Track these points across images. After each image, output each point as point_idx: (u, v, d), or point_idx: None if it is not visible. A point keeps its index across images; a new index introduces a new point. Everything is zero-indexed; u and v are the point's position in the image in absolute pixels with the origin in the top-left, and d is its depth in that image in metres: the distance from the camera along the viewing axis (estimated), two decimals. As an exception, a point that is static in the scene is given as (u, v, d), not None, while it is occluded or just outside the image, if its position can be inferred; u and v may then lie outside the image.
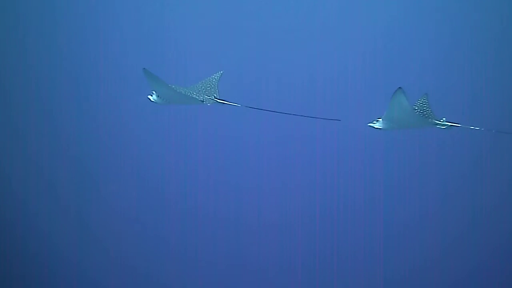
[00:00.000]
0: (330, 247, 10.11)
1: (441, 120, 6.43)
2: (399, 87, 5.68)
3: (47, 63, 11.26)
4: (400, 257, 9.91)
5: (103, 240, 10.36)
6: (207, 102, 6.82)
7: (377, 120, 6.39)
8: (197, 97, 6.81)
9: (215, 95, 6.89)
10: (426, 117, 6.48)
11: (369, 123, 6.44)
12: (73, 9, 11.51)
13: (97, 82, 11.10)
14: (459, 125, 6.40)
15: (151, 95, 6.81)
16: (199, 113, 9.96)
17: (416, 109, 6.53)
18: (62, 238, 10.31)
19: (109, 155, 10.81)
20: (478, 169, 10.07)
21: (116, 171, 10.74)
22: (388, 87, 5.84)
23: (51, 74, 11.19)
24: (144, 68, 6.05)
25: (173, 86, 6.65)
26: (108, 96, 10.96)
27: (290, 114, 6.61)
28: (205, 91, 6.96)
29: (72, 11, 11.50)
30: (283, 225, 10.33)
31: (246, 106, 6.61)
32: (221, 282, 10.17)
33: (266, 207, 10.41)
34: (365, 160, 10.38)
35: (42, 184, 10.63)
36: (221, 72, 7.29)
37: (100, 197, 10.64)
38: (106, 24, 11.41)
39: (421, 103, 6.64)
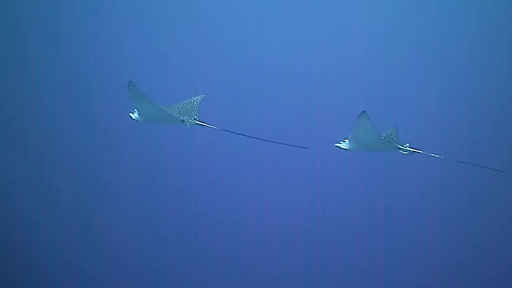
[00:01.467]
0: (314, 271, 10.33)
1: (404, 146, 6.74)
2: (363, 111, 5.97)
3: (47, 67, 11.45)
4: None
5: (104, 242, 10.51)
6: (187, 124, 6.99)
7: (344, 141, 6.66)
8: (177, 117, 6.96)
9: (195, 116, 7.05)
10: (390, 141, 6.78)
11: (336, 143, 6.72)
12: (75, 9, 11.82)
13: (97, 86, 11.32)
14: (421, 151, 6.72)
15: (133, 113, 6.90)
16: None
17: (383, 137, 6.85)
18: (64, 240, 10.43)
19: (110, 158, 10.97)
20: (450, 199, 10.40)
21: (116, 172, 10.87)
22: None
23: (51, 78, 11.37)
24: (130, 82, 6.15)
25: (155, 104, 6.71)
26: (108, 100, 11.12)
27: (261, 139, 6.90)
28: (185, 112, 7.10)
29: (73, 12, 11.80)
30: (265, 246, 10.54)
31: (222, 129, 6.86)
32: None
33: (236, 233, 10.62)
34: (339, 184, 10.62)
35: (43, 187, 10.76)
36: (203, 95, 7.45)
37: (101, 199, 10.76)
38: (103, 32, 11.73)
39: (390, 133, 6.96)
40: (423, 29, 11.42)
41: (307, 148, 7.18)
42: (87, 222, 10.62)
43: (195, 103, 7.32)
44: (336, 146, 6.72)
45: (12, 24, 11.58)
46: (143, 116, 6.87)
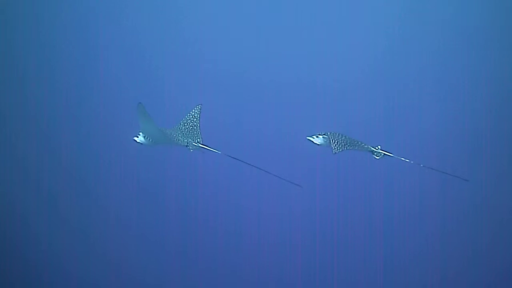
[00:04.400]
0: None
1: (376, 148, 7.02)
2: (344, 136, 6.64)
3: (44, 68, 11.51)
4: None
5: (103, 253, 10.53)
6: (190, 147, 6.99)
7: (317, 136, 6.84)
8: (182, 141, 6.99)
9: (198, 139, 7.07)
10: (363, 144, 7.06)
11: (308, 136, 6.88)
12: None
13: (94, 89, 11.39)
14: (392, 155, 7.02)
15: (137, 136, 6.90)
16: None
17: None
18: (62, 250, 10.44)
19: (106, 163, 10.99)
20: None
21: (113, 178, 10.93)
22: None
23: (48, 81, 11.42)
24: (140, 103, 6.16)
25: (160, 128, 6.79)
26: (110, 112, 11.23)
27: (259, 168, 6.91)
28: (189, 134, 7.11)
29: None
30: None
31: (225, 155, 6.91)
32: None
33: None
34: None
35: (41, 192, 10.76)
36: (200, 106, 7.36)
37: (100, 210, 10.80)
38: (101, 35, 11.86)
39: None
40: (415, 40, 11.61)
41: (301, 187, 7.28)
42: (86, 232, 10.68)
43: (196, 118, 7.27)
44: (308, 139, 6.86)
45: (10, 30, 11.65)
46: (148, 139, 6.85)
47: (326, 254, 10.37)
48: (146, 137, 6.85)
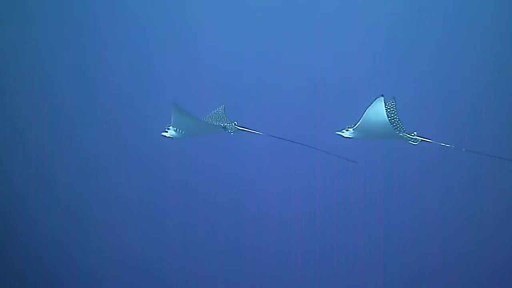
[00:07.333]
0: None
1: (412, 134, 6.43)
2: (381, 95, 5.77)
3: (48, 59, 11.26)
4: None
5: (104, 235, 10.43)
6: (230, 130, 6.90)
7: (347, 130, 6.32)
8: (219, 125, 6.93)
9: (234, 122, 6.95)
10: (397, 129, 6.45)
11: (337, 131, 6.37)
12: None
13: (101, 79, 11.13)
14: (430, 141, 6.43)
15: (166, 131, 6.73)
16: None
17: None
18: (63, 233, 10.40)
19: (111, 150, 10.81)
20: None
21: (118, 166, 10.72)
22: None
23: (53, 71, 11.18)
24: (174, 103, 6.18)
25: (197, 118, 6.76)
26: (112, 92, 10.99)
27: (309, 146, 6.65)
28: (221, 120, 7.08)
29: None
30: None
31: (268, 135, 6.68)
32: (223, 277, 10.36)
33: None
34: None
35: (43, 180, 10.64)
36: (223, 106, 7.32)
37: (101, 192, 10.65)
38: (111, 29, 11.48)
39: (389, 107, 6.59)
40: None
41: (357, 162, 7.00)
42: (87, 217, 10.56)
43: (221, 112, 7.25)
44: (338, 134, 6.38)
45: (20, 22, 11.37)
46: (180, 131, 6.71)
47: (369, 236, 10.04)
48: (177, 130, 6.68)
